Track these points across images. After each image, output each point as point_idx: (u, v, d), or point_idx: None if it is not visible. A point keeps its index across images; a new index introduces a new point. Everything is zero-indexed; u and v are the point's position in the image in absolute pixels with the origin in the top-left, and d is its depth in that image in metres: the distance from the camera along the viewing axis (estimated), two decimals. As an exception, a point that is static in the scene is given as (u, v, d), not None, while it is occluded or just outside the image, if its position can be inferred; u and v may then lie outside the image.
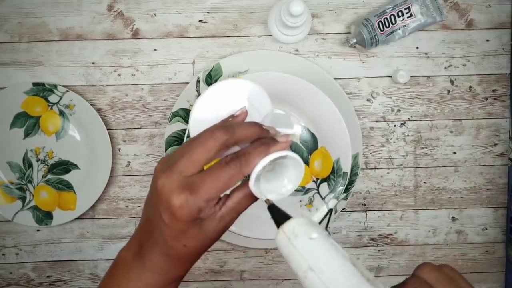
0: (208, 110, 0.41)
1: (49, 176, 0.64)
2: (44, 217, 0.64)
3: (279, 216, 0.36)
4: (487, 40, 0.64)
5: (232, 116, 0.41)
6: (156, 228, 0.37)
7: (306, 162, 0.62)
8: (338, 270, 0.31)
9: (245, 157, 0.36)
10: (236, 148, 0.38)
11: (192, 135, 0.40)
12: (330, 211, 0.62)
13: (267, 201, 0.37)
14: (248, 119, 0.41)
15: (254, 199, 0.38)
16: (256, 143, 0.37)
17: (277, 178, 0.41)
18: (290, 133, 0.54)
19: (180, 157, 0.36)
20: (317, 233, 0.33)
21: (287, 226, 0.34)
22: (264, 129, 0.39)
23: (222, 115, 0.41)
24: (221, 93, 0.41)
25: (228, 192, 0.38)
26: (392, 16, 0.60)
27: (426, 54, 0.64)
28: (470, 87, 0.65)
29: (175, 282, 0.40)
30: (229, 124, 0.37)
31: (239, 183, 0.38)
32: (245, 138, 0.37)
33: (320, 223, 0.62)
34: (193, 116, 0.41)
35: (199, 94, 0.62)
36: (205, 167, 0.37)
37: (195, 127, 0.41)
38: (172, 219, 0.35)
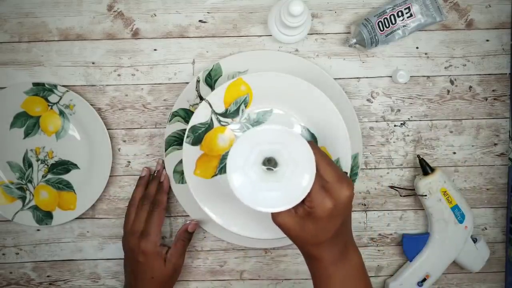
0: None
1: (49, 176, 0.64)
2: (44, 217, 0.64)
3: None
4: (487, 40, 0.64)
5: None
6: (136, 272, 0.60)
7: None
8: None
9: (156, 203, 0.62)
10: None
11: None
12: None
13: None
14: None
15: (186, 243, 0.63)
16: (157, 192, 0.64)
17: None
18: None
19: (132, 224, 0.61)
20: None
21: None
22: (155, 181, 0.64)
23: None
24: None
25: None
26: (392, 16, 0.60)
27: (426, 54, 0.64)
28: (470, 87, 0.65)
29: None
30: (146, 195, 0.63)
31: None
32: (154, 192, 0.63)
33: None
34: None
35: (199, 94, 0.62)
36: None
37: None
38: (143, 256, 0.59)
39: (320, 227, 0.45)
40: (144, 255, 0.59)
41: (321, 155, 0.46)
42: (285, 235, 0.56)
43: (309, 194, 0.45)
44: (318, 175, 0.45)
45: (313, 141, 0.49)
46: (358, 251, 0.50)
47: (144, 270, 0.60)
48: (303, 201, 0.45)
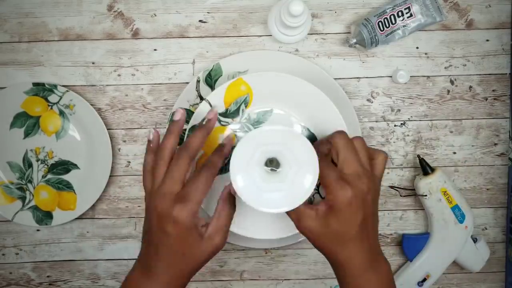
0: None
1: (49, 176, 0.64)
2: (44, 217, 0.64)
3: None
4: (487, 40, 0.64)
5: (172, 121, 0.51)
6: (161, 244, 0.46)
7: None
8: None
9: (207, 163, 0.48)
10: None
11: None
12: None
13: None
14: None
15: (232, 211, 0.49)
16: (213, 152, 0.51)
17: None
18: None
19: (163, 182, 0.46)
20: None
21: None
22: (206, 129, 0.50)
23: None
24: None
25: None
26: (392, 16, 0.60)
27: (426, 54, 0.64)
28: (470, 87, 0.65)
29: None
30: (185, 145, 0.48)
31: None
32: (198, 145, 0.48)
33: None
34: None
35: (199, 94, 0.62)
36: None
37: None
38: (175, 227, 0.45)
39: (342, 221, 0.45)
40: (178, 225, 0.44)
41: (345, 146, 0.46)
42: (285, 236, 0.56)
43: (328, 187, 0.45)
44: (336, 167, 0.46)
45: (344, 131, 0.48)
46: (387, 260, 0.48)
47: (174, 245, 0.45)
48: (323, 198, 0.45)
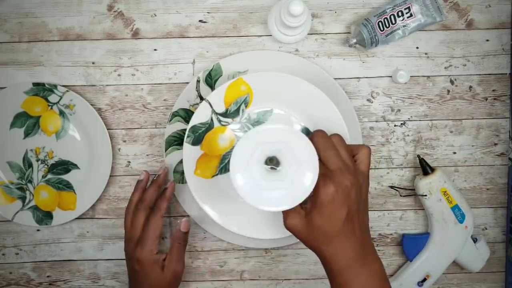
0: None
1: (49, 176, 0.64)
2: (44, 217, 0.64)
3: None
4: (487, 40, 0.64)
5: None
6: (133, 279, 0.59)
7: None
8: None
9: (154, 209, 0.59)
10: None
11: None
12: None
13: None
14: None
15: (182, 245, 0.60)
16: (157, 199, 0.61)
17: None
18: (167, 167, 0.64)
19: (129, 229, 0.59)
20: None
21: None
22: (155, 187, 0.60)
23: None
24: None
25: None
26: (392, 16, 0.60)
27: (426, 54, 0.64)
28: (470, 87, 0.65)
29: None
30: (142, 199, 0.60)
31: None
32: (152, 197, 0.60)
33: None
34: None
35: (199, 94, 0.62)
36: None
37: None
38: (139, 264, 0.57)
39: (326, 217, 0.45)
40: (140, 263, 0.57)
41: (324, 144, 0.47)
42: (285, 236, 0.56)
43: None
44: (321, 164, 0.46)
45: (322, 129, 0.49)
46: (379, 258, 0.48)
47: (141, 279, 0.58)
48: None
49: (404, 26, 0.60)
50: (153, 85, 0.64)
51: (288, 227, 0.47)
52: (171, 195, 0.60)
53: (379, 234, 0.67)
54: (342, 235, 0.45)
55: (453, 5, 0.64)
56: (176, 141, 0.63)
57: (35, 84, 0.62)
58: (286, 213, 0.47)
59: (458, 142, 0.65)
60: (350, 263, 0.46)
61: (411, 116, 0.65)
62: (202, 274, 0.68)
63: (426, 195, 0.62)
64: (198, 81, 0.62)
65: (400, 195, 0.66)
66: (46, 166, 0.64)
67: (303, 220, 0.46)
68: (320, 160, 0.46)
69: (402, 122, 0.65)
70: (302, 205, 0.47)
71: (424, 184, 0.62)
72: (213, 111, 0.58)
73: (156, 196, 0.60)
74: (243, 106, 0.58)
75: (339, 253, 0.46)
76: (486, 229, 0.67)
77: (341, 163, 0.46)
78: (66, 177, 0.64)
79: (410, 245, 0.65)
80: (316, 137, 0.47)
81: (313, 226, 0.45)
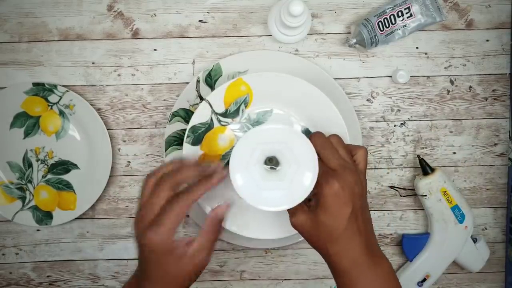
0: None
1: (49, 176, 0.64)
2: (44, 217, 0.64)
3: None
4: (487, 40, 0.64)
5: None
6: (144, 265, 0.47)
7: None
8: None
9: (188, 190, 0.46)
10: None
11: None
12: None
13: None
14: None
15: (215, 235, 0.48)
16: (199, 180, 0.48)
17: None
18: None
19: (139, 212, 0.47)
20: None
21: None
22: (199, 169, 0.48)
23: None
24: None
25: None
26: (392, 16, 0.60)
27: (426, 54, 0.64)
28: (470, 87, 0.65)
29: None
30: (171, 174, 0.47)
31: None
32: (186, 179, 0.47)
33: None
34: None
35: (199, 94, 0.62)
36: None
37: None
38: (150, 250, 0.45)
39: (330, 214, 0.45)
40: (151, 249, 0.45)
41: (323, 144, 0.47)
42: (285, 236, 0.56)
43: (317, 181, 0.45)
44: (322, 163, 0.46)
45: (320, 131, 0.49)
46: (386, 257, 0.47)
47: (151, 268, 0.46)
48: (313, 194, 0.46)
49: (404, 26, 0.60)
50: (153, 85, 0.64)
51: (294, 225, 0.47)
52: (218, 182, 0.48)
53: (379, 234, 0.67)
54: (348, 233, 0.45)
55: (453, 5, 0.64)
56: (176, 141, 0.63)
57: (35, 84, 0.62)
58: (292, 211, 0.47)
59: (458, 142, 0.65)
60: (356, 261, 0.45)
61: (411, 116, 0.65)
62: (202, 274, 0.67)
63: (426, 195, 0.62)
64: (198, 81, 0.62)
65: (400, 195, 0.66)
66: (46, 166, 0.64)
67: (309, 217, 0.46)
68: (320, 159, 0.46)
69: (402, 122, 0.65)
70: (307, 203, 0.47)
71: (424, 184, 0.62)
72: (213, 111, 0.58)
73: (193, 179, 0.48)
74: (243, 106, 0.58)
75: (345, 251, 0.45)
76: (486, 229, 0.67)
77: (342, 161, 0.46)
78: (66, 177, 0.64)
79: (410, 245, 0.65)
80: (315, 137, 0.47)
81: (319, 223, 0.45)
